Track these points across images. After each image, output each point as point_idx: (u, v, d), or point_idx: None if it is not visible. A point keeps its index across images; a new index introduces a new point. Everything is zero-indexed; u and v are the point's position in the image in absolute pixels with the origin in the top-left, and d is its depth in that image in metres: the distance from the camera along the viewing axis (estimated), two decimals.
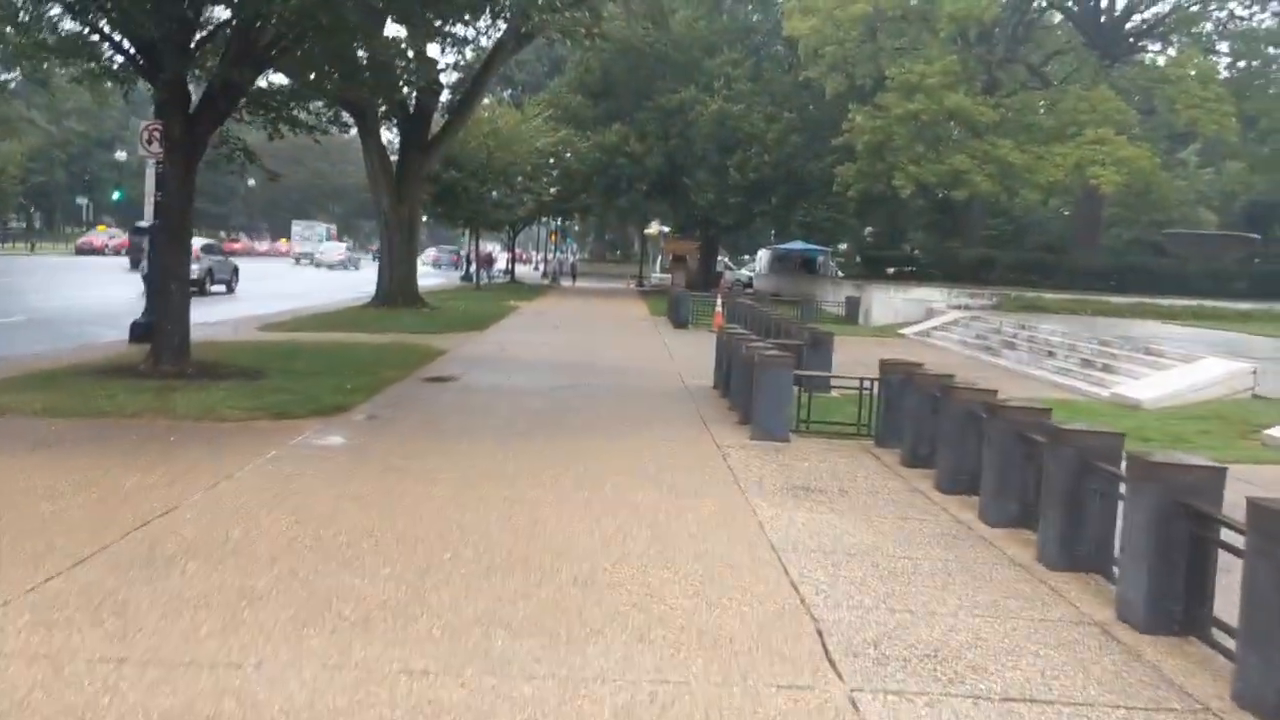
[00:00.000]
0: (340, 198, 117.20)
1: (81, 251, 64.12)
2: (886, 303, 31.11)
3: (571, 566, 6.09)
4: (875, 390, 11.40)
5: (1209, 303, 29.47)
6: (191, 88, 14.18)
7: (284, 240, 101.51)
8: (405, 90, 27.26)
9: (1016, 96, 31.91)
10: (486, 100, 42.80)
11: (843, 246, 60.50)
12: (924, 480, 9.20)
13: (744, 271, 65.65)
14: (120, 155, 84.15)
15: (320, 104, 17.59)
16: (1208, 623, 5.23)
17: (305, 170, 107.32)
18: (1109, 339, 19.68)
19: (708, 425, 11.92)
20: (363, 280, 39.55)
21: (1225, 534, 5.18)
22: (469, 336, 21.88)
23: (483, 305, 31.87)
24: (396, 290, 27.41)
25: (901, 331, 27.47)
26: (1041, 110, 31.86)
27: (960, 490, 8.52)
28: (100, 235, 68.56)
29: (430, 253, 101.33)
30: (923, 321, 28.45)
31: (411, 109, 28.16)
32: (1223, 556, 5.25)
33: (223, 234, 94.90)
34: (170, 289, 13.76)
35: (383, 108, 28.02)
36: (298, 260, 76.97)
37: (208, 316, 21.36)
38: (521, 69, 71.40)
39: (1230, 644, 4.84)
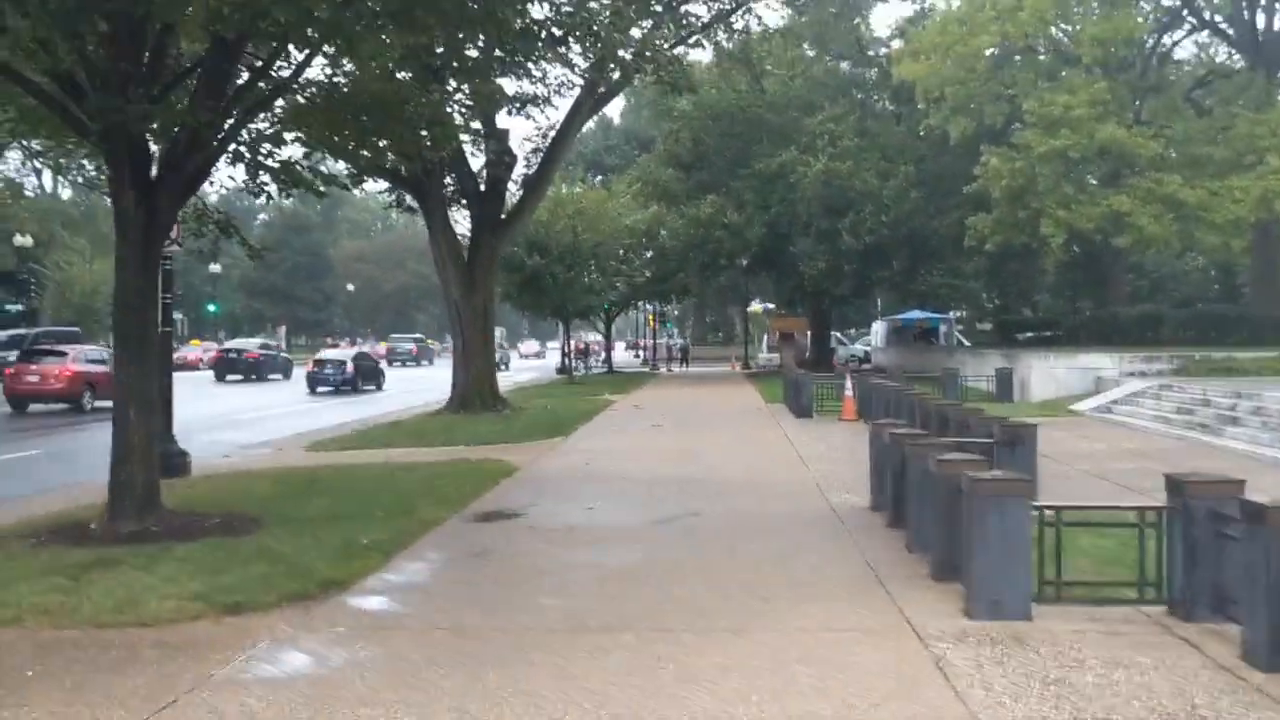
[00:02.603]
0: (440, 297, 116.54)
1: (177, 368, 62.40)
2: (1046, 373, 26.34)
3: None
4: (1163, 522, 7.07)
5: None
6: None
7: (382, 343, 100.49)
8: (474, 163, 24.07)
9: (1177, 126, 27.19)
10: (576, 185, 39.85)
11: (955, 314, 55.59)
12: None
13: (858, 346, 60.96)
14: (215, 268, 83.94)
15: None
16: None
17: (405, 272, 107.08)
18: None
19: (886, 587, 7.75)
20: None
21: None
22: (550, 445, 18.01)
23: (572, 402, 28.10)
24: (472, 391, 23.85)
25: (1075, 409, 22.69)
26: (1209, 139, 27.03)
27: None
28: (195, 350, 67.47)
29: (530, 345, 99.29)
30: (1097, 394, 23.63)
31: (482, 184, 24.88)
32: None
33: (329, 339, 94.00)
34: (129, 418, 10.15)
35: (449, 185, 24.84)
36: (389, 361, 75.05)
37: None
38: (610, 153, 69.18)
39: None
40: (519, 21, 13.80)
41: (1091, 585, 7.30)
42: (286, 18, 7.58)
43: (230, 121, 10.37)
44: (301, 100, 11.24)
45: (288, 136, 11.79)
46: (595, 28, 17.39)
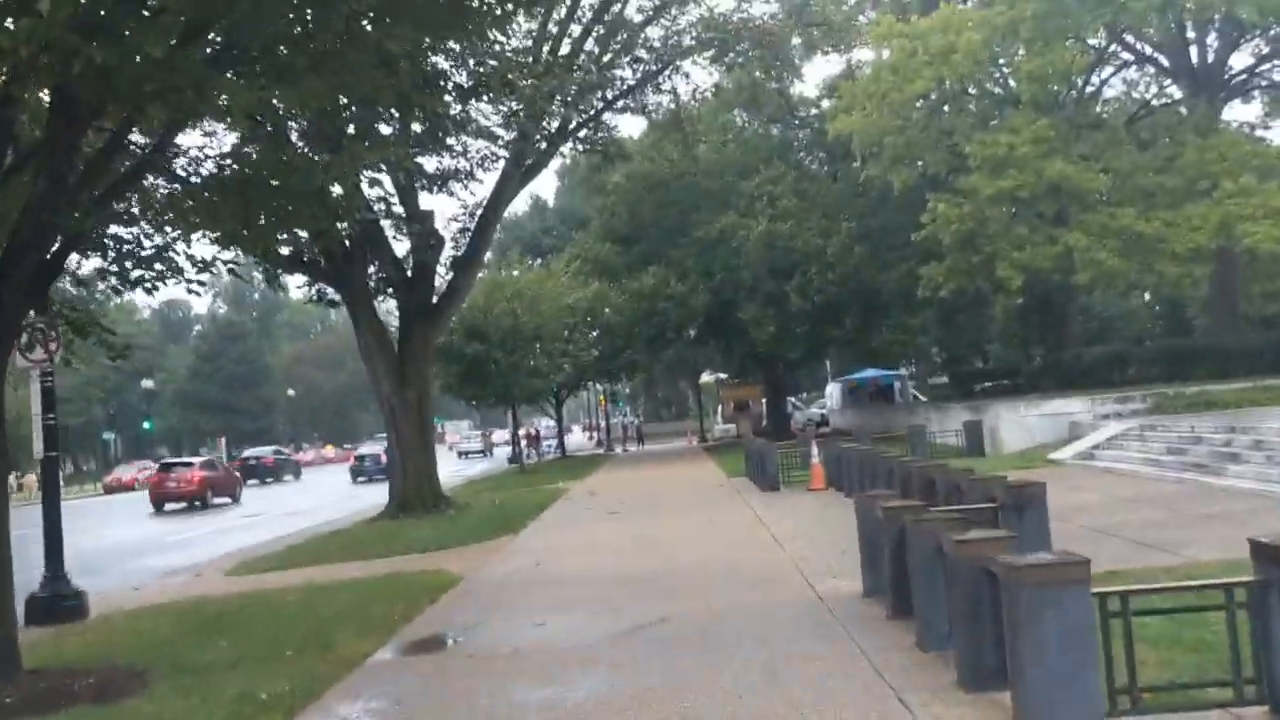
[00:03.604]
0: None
1: (110, 490, 60.32)
2: (1016, 423, 25.08)
3: None
4: (1258, 600, 5.59)
5: None
6: None
7: (329, 447, 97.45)
8: (399, 249, 22.60)
9: (1121, 160, 26.46)
10: (514, 269, 38.53)
11: (907, 369, 54.79)
12: None
13: (814, 409, 59.74)
14: (148, 383, 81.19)
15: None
16: None
17: (345, 372, 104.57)
18: None
19: (910, 706, 6.19)
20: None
21: None
22: (498, 546, 16.26)
23: (523, 493, 26.33)
24: (412, 492, 22.03)
25: (1055, 457, 21.39)
26: (1156, 169, 26.28)
27: None
28: (130, 470, 64.67)
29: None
30: (1075, 441, 22.39)
31: (409, 270, 23.35)
32: None
33: (289, 447, 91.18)
34: None
35: (374, 274, 23.29)
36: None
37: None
38: (547, 235, 68.15)
39: None
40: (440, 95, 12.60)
41: (1173, 689, 5.78)
42: (108, 61, 6.02)
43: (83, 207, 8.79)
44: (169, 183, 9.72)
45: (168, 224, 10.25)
46: (514, 90, 16.10)
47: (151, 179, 9.75)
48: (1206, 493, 14.66)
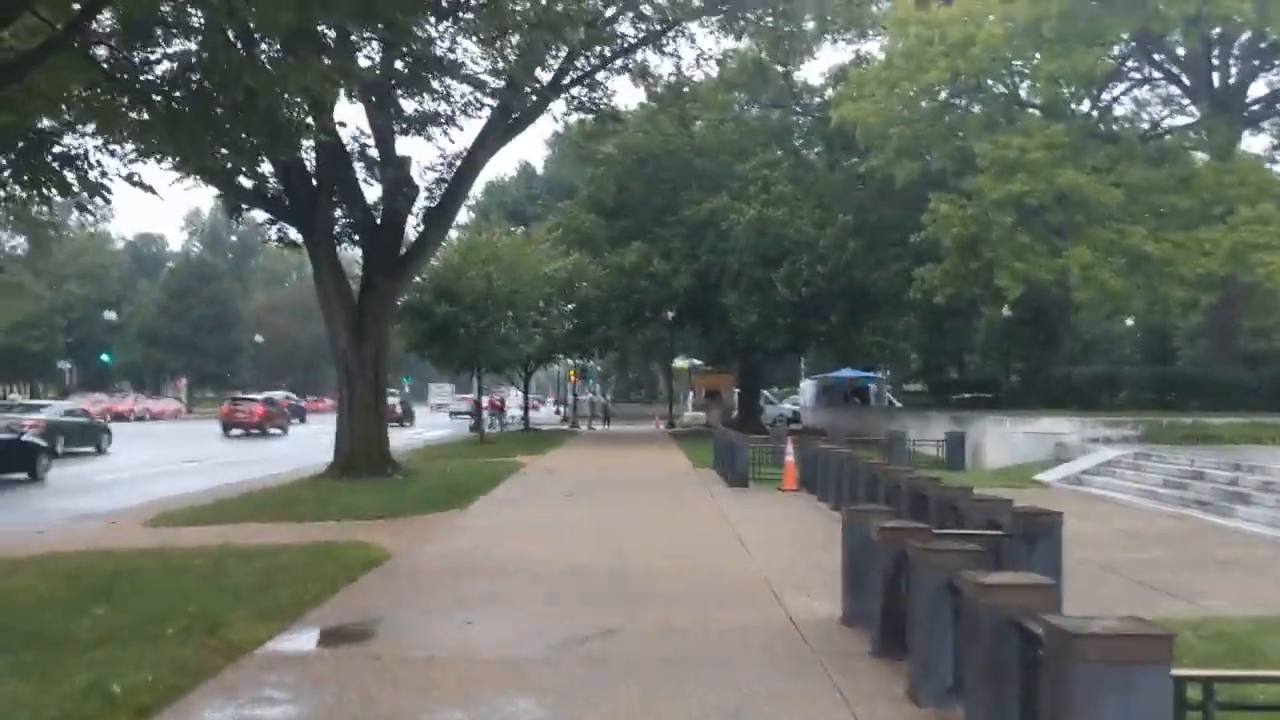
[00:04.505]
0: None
1: None
2: (1000, 439, 23.94)
3: None
4: None
5: None
6: None
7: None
8: (370, 195, 21.11)
9: (1135, 174, 25.23)
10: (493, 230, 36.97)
11: (879, 373, 53.66)
12: None
13: (786, 405, 58.51)
14: (111, 315, 78.76)
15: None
16: None
17: (316, 323, 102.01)
18: None
19: None
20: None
21: None
22: (441, 521, 14.90)
23: (478, 464, 24.95)
24: (359, 453, 20.62)
25: (1040, 479, 20.22)
26: (1170, 189, 25.05)
27: None
28: (82, 403, 62.63)
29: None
30: (1063, 463, 21.25)
31: (378, 218, 21.87)
32: None
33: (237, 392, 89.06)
34: None
35: (340, 218, 21.79)
36: None
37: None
38: (533, 203, 66.51)
39: None
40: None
41: None
42: None
43: None
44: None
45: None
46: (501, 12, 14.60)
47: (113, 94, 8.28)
48: (1214, 533, 13.50)
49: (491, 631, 8.15)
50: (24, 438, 23.27)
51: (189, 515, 15.51)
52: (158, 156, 11.51)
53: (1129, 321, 53.77)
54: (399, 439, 34.23)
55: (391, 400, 67.83)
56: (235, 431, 43.00)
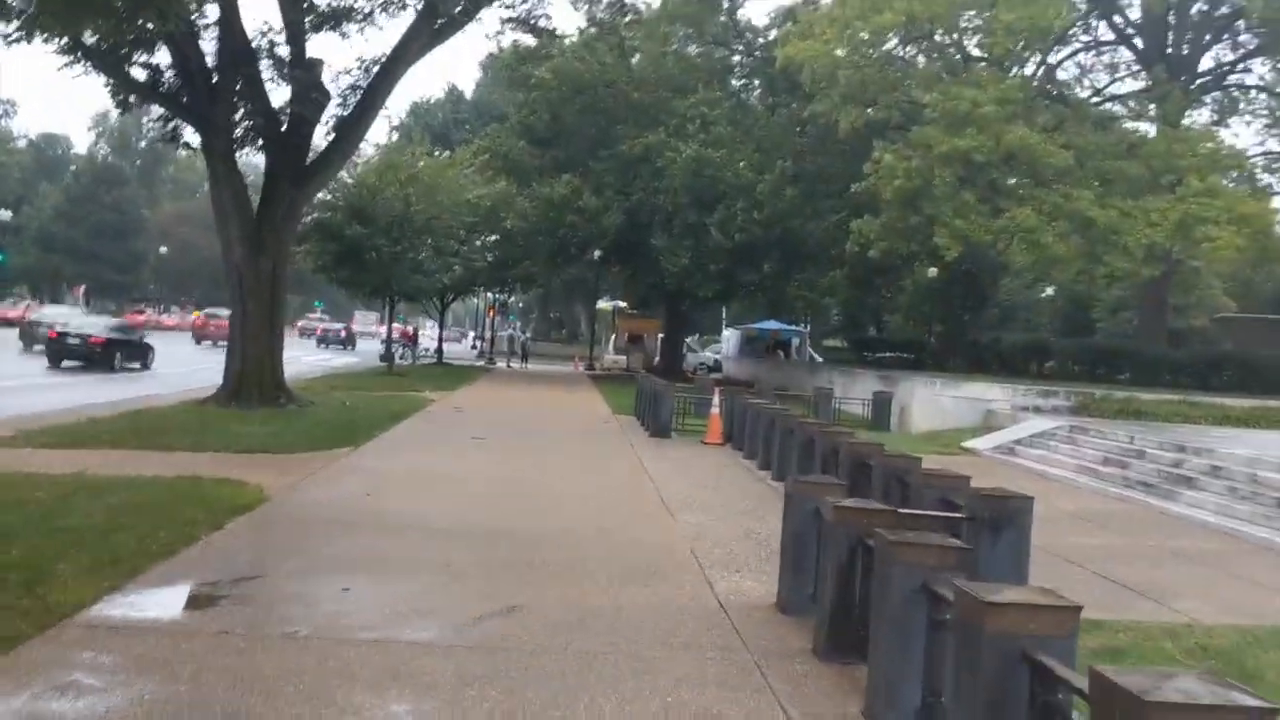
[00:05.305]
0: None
1: None
2: (929, 401, 23.16)
3: None
4: None
5: None
6: None
7: (196, 313, 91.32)
8: (277, 99, 19.23)
9: (1085, 137, 24.39)
10: (414, 150, 34.84)
11: (803, 327, 53.01)
12: None
13: (707, 353, 57.63)
14: (5, 214, 74.02)
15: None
16: None
17: None
18: None
19: None
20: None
21: None
22: (330, 460, 13.43)
23: (382, 397, 23.41)
24: (250, 377, 18.96)
25: (969, 445, 19.42)
26: (1118, 154, 24.28)
27: None
28: None
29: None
30: (992, 431, 20.50)
31: (283, 123, 19.99)
32: None
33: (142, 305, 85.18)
34: None
35: (242, 120, 19.85)
36: None
37: None
38: (459, 127, 64.06)
39: None
40: None
41: None
42: None
43: None
44: None
45: None
46: None
47: None
48: (1164, 521, 12.70)
49: (370, 603, 6.83)
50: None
51: (49, 436, 13.82)
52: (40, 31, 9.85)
53: (1049, 290, 53.91)
54: (304, 365, 32.46)
55: (337, 326, 65.52)
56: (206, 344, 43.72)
